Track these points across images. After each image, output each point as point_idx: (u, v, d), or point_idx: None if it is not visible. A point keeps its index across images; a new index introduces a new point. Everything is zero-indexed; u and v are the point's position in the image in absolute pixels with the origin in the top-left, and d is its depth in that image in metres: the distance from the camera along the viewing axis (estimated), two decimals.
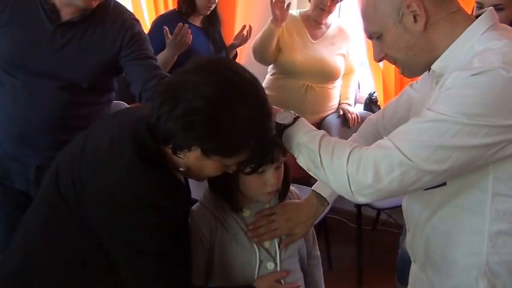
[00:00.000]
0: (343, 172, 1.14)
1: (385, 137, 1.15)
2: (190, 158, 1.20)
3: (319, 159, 1.19)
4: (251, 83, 1.19)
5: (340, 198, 2.46)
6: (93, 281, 1.28)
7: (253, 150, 1.19)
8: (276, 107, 1.32)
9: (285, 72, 3.07)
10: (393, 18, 1.18)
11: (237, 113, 1.14)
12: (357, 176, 1.12)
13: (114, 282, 1.27)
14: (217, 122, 1.13)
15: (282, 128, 1.27)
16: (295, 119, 1.28)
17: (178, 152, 1.19)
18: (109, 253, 1.23)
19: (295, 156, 1.26)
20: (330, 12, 3.00)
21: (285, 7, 2.87)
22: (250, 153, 1.20)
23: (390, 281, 2.69)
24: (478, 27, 1.17)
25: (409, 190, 1.15)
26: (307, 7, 3.10)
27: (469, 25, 1.17)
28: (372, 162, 1.11)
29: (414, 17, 1.17)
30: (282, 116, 1.29)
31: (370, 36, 1.26)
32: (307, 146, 1.22)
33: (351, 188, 1.14)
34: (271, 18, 2.89)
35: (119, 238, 1.21)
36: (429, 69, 1.25)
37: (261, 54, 3.03)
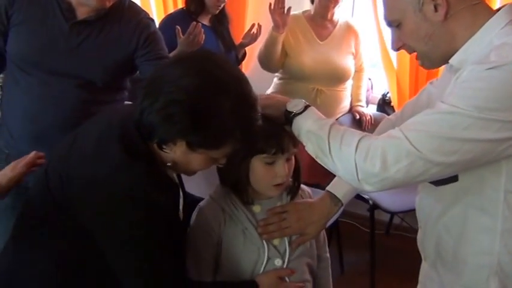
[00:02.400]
0: (351, 160, 1.16)
1: (396, 128, 1.17)
2: (177, 152, 1.23)
3: (327, 147, 1.21)
4: (232, 74, 1.22)
5: (353, 202, 2.49)
6: (84, 282, 1.30)
7: (239, 141, 1.22)
8: (285, 97, 1.36)
9: (293, 76, 3.04)
10: (413, 6, 1.20)
11: (218, 105, 1.17)
12: (365, 164, 1.14)
13: (107, 283, 1.30)
14: (199, 113, 1.16)
15: (292, 116, 1.30)
16: (306, 107, 1.30)
17: (164, 147, 1.23)
18: (99, 250, 1.25)
19: (304, 143, 1.29)
20: (336, 2, 2.94)
21: (285, 12, 2.82)
22: (237, 145, 1.23)
23: (403, 285, 2.70)
24: (498, 21, 1.18)
25: (416, 181, 1.17)
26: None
27: (490, 18, 1.19)
28: (380, 151, 1.13)
29: (435, 6, 1.18)
30: (292, 104, 1.32)
31: (389, 24, 1.27)
32: (316, 134, 1.25)
33: (358, 176, 1.16)
34: (273, 25, 2.85)
35: (106, 232, 1.23)
36: (447, 63, 1.26)
37: (267, 63, 2.99)
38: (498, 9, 1.21)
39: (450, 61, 1.24)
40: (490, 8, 1.23)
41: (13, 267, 1.34)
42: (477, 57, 1.16)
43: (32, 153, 1.42)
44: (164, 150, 1.24)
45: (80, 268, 1.29)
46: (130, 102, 2.47)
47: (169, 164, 1.27)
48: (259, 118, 1.25)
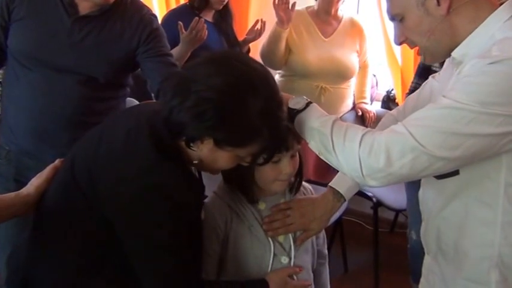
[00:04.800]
0: (355, 155, 1.19)
1: (399, 123, 1.20)
2: (204, 150, 1.26)
3: (331, 143, 1.24)
4: (261, 73, 1.26)
5: (357, 200, 2.49)
6: (101, 276, 1.33)
7: (266, 140, 1.25)
8: (287, 94, 1.38)
9: (296, 73, 3.04)
10: (416, 0, 1.22)
11: (247, 103, 1.20)
12: (369, 160, 1.17)
13: (125, 278, 1.32)
14: (228, 111, 1.20)
15: (295, 113, 1.33)
16: (308, 104, 1.33)
17: (191, 145, 1.26)
18: (122, 246, 1.28)
19: (307, 141, 1.31)
20: None
21: (289, 7, 2.83)
22: (263, 143, 1.26)
23: (408, 284, 2.73)
24: (500, 15, 1.21)
25: (420, 176, 1.20)
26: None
27: (492, 12, 1.21)
28: (384, 146, 1.16)
29: (437, 1, 1.20)
30: (294, 101, 1.35)
31: (392, 18, 1.30)
32: (319, 130, 1.28)
33: (362, 172, 1.19)
34: (276, 20, 2.86)
35: (132, 228, 1.26)
36: (450, 56, 1.29)
37: (270, 60, 2.97)
38: (501, 3, 1.23)
39: (452, 54, 1.27)
40: (492, 2, 1.25)
41: (32, 257, 1.38)
42: (479, 51, 1.18)
43: (58, 160, 1.45)
44: (191, 148, 1.27)
45: (99, 262, 1.32)
46: (132, 99, 2.51)
47: (195, 161, 1.31)
48: (286, 117, 1.29)
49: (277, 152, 1.36)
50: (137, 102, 2.51)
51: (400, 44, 1.34)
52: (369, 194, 2.91)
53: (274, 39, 2.92)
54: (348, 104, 3.21)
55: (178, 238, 1.27)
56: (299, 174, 1.51)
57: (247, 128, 1.22)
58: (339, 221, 3.03)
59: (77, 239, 1.32)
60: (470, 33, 1.22)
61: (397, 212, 3.37)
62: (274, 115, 1.25)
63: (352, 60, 3.08)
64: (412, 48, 1.34)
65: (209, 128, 1.22)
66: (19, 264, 1.40)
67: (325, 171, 1.37)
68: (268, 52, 2.98)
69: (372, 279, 3.02)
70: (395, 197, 2.90)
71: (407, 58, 3.24)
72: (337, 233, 3.18)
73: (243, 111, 1.20)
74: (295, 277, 1.50)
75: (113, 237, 1.28)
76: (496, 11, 1.21)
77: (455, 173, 1.23)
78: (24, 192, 1.40)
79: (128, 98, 2.17)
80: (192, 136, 1.25)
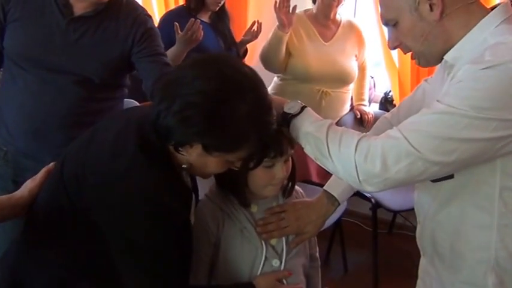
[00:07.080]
0: (351, 161, 1.19)
1: (394, 127, 1.20)
2: (193, 154, 1.24)
3: (326, 149, 1.24)
4: (249, 77, 1.23)
5: (355, 201, 2.47)
6: (90, 281, 1.32)
7: (255, 145, 1.23)
8: (282, 98, 1.37)
9: (297, 77, 3.02)
10: (409, 6, 1.23)
11: (235, 108, 1.18)
12: (365, 165, 1.17)
13: (113, 285, 1.31)
14: (215, 117, 1.17)
15: (289, 117, 1.32)
16: (302, 108, 1.32)
17: (180, 149, 1.24)
18: (108, 248, 1.26)
19: (303, 145, 1.31)
20: (340, 1, 2.95)
21: (290, 11, 2.82)
22: (252, 148, 1.24)
23: (407, 285, 2.72)
24: (492, 19, 1.21)
25: (416, 180, 1.20)
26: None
27: (484, 17, 1.22)
28: (379, 151, 1.16)
29: (430, 6, 1.21)
30: (289, 106, 1.33)
31: (386, 23, 1.30)
32: (314, 135, 1.27)
33: (358, 177, 1.19)
34: (277, 24, 2.85)
35: (116, 231, 1.25)
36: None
37: (270, 63, 2.96)
38: (492, 8, 1.24)
39: (445, 57, 1.27)
40: (485, 7, 1.26)
41: (22, 259, 1.37)
42: (471, 55, 1.18)
43: (52, 163, 1.45)
44: (180, 152, 1.25)
45: (87, 264, 1.31)
46: (130, 99, 2.51)
47: (185, 166, 1.29)
48: (275, 122, 1.27)
49: (267, 156, 1.35)
50: (136, 103, 2.54)
51: (394, 48, 1.35)
52: (368, 195, 2.90)
53: (275, 42, 2.90)
54: (347, 108, 3.22)
55: (158, 242, 1.25)
56: (292, 178, 1.50)
57: (235, 133, 1.20)
58: (338, 222, 3.03)
59: (65, 241, 1.31)
60: (463, 37, 1.23)
61: (396, 213, 3.38)
62: (262, 120, 1.23)
63: (352, 64, 3.08)
64: (405, 53, 1.34)
65: (196, 134, 1.20)
66: (9, 266, 1.40)
67: (328, 173, 1.37)
68: (269, 55, 2.96)
69: (372, 280, 3.01)
70: (393, 198, 2.89)
71: (405, 60, 3.23)
72: (337, 234, 3.18)
73: (230, 116, 1.18)
74: (284, 281, 1.48)
75: (101, 240, 1.26)
76: (487, 16, 1.22)
77: (450, 176, 1.22)
78: (17, 195, 1.40)
79: (126, 99, 2.17)
80: (180, 141, 1.23)
